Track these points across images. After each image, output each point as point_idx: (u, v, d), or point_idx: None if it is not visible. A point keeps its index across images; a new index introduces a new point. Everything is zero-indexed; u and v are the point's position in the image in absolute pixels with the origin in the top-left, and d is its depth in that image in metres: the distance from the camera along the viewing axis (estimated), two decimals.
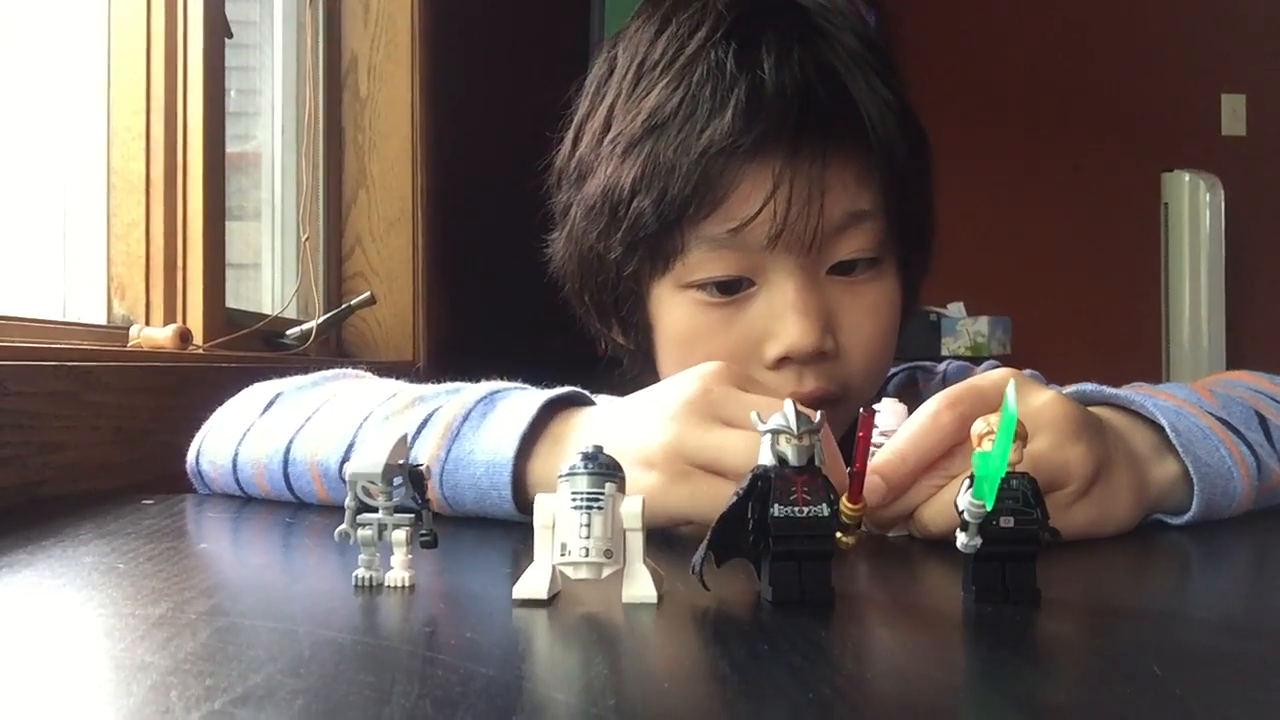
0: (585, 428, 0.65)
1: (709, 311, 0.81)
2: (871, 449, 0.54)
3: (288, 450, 0.73)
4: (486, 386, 0.70)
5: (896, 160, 0.81)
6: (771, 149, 0.77)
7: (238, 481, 0.76)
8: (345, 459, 0.69)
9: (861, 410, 0.50)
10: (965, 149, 4.05)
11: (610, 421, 0.65)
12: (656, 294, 0.84)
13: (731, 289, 0.81)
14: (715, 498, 0.56)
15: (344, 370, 0.84)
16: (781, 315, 0.79)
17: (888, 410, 0.63)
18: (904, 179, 0.82)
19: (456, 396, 0.70)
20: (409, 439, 0.67)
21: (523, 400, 0.67)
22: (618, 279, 0.84)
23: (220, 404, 0.82)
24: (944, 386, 0.93)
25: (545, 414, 0.66)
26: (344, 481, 0.68)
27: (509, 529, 0.63)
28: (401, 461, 0.47)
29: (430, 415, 0.68)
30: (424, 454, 0.66)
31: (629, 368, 0.94)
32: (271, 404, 0.78)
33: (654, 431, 0.60)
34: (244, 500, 0.76)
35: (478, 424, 0.67)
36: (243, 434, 0.76)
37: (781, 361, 0.80)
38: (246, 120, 1.79)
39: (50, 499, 0.79)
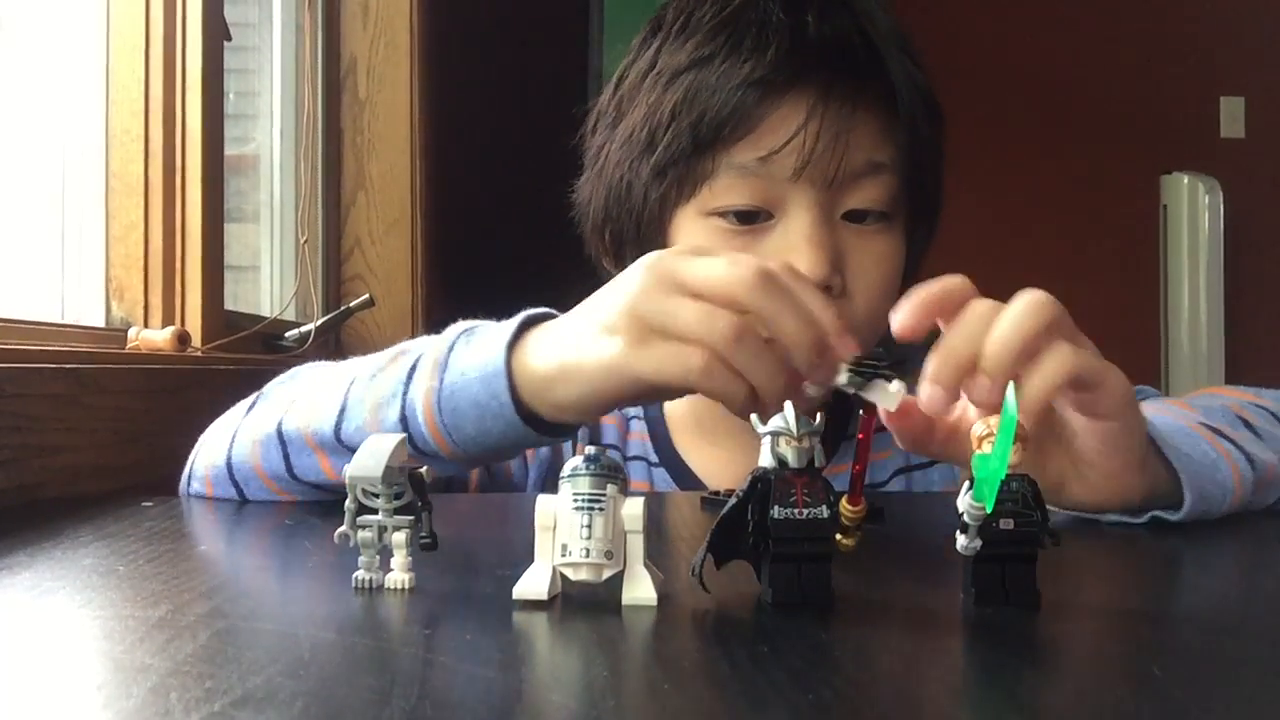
0: (559, 320, 0.69)
1: (728, 239, 0.85)
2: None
3: (279, 426, 0.74)
4: (461, 325, 0.74)
5: (917, 125, 0.87)
6: (806, 86, 0.83)
7: (234, 480, 0.77)
8: (340, 424, 0.72)
9: (861, 411, 0.50)
10: (965, 151, 4.04)
11: (579, 307, 0.68)
12: (678, 221, 0.88)
13: (750, 219, 0.85)
14: (678, 360, 0.61)
15: (316, 364, 0.86)
16: (795, 246, 0.83)
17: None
18: (921, 145, 0.88)
19: (434, 339, 0.73)
20: (403, 386, 0.70)
21: (499, 324, 0.71)
22: (643, 206, 0.89)
23: (219, 406, 0.83)
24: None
25: (524, 326, 0.69)
26: (343, 446, 0.70)
27: (510, 528, 0.63)
28: (401, 464, 0.47)
29: (415, 362, 0.71)
30: (419, 393, 0.69)
31: None
32: (253, 406, 0.80)
33: (614, 300, 0.64)
34: (242, 502, 0.76)
35: (463, 351, 0.70)
36: (231, 438, 0.78)
37: None
38: (245, 122, 1.79)
39: (49, 501, 0.79)
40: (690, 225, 0.87)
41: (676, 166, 0.86)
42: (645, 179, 0.88)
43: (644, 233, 0.90)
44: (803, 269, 0.82)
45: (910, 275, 0.92)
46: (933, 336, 0.62)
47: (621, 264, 0.94)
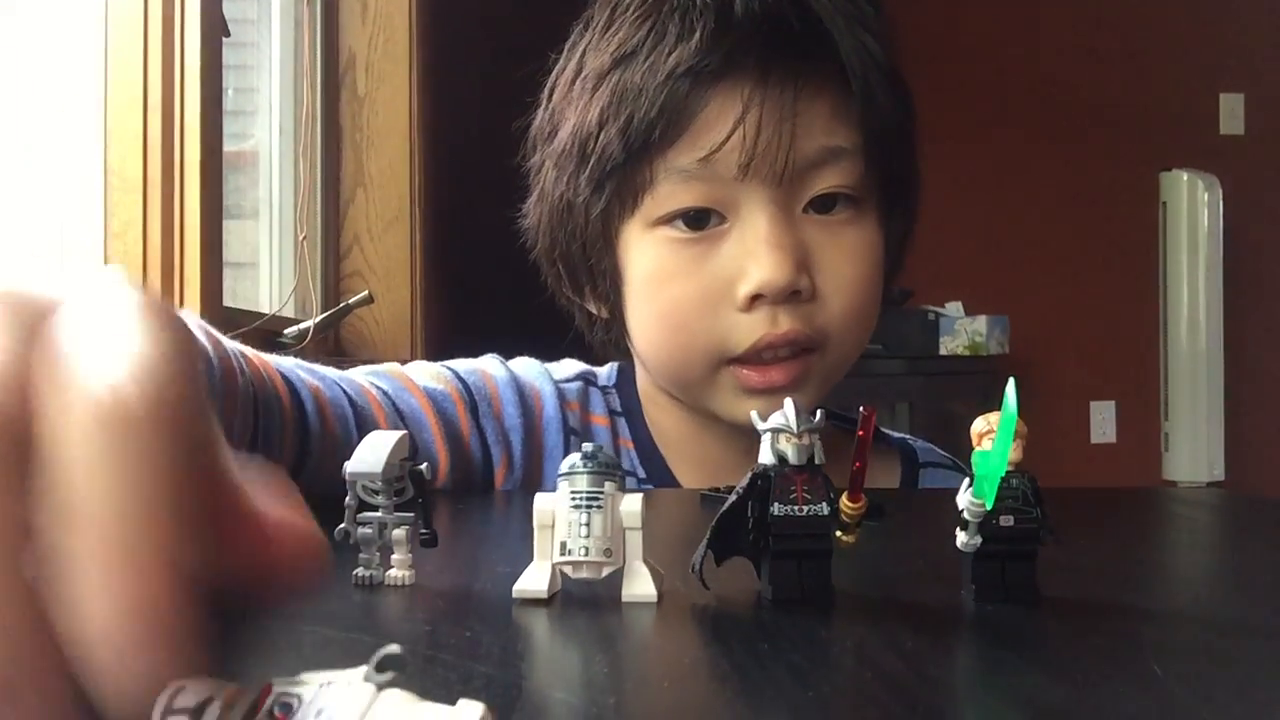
0: None
1: (679, 250, 0.79)
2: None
3: None
4: None
5: (876, 102, 0.79)
6: (741, 73, 0.76)
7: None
8: None
9: (862, 409, 0.50)
10: (964, 148, 4.05)
11: None
12: (625, 237, 0.81)
13: (701, 222, 0.78)
14: None
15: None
16: (753, 251, 0.77)
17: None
18: (884, 123, 0.80)
19: None
20: None
21: None
22: (586, 224, 0.81)
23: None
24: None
25: None
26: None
27: (510, 525, 0.63)
28: (402, 460, 0.47)
29: None
30: None
31: (597, 338, 0.91)
32: None
33: None
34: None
35: None
36: None
37: (754, 301, 0.77)
38: (244, 119, 1.79)
39: None
40: (638, 241, 0.80)
41: (612, 178, 0.78)
42: (584, 195, 0.80)
43: (591, 254, 0.83)
44: (766, 275, 0.75)
45: (894, 265, 0.85)
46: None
47: (580, 294, 0.88)
